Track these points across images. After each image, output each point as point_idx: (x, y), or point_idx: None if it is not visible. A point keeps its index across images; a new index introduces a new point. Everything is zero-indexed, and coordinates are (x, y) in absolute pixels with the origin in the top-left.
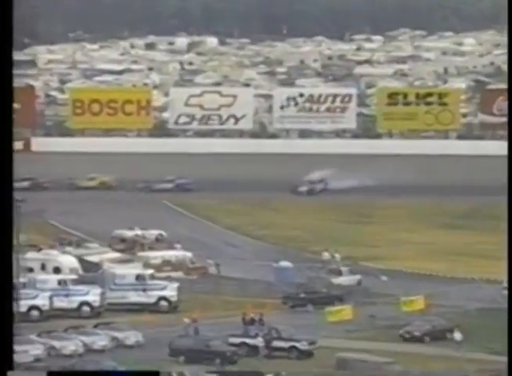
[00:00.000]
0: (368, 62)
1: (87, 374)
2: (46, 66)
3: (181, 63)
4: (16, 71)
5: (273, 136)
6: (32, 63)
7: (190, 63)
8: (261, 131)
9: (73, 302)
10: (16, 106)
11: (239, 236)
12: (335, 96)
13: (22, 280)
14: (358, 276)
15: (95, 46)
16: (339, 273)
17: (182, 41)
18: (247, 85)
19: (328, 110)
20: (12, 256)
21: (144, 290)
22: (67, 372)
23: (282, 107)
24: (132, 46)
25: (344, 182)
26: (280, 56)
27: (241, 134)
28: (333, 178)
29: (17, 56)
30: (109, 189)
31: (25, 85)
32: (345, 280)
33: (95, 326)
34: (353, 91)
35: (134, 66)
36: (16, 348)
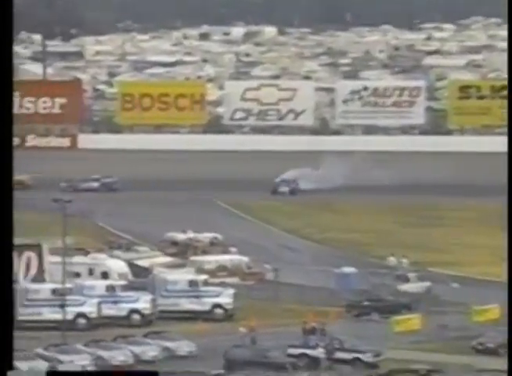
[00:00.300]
0: (438, 52)
1: (87, 374)
2: (94, 58)
3: (237, 55)
4: (62, 63)
5: (335, 133)
6: (79, 55)
7: (247, 55)
8: (322, 128)
9: (122, 310)
10: (62, 100)
11: (299, 239)
12: (402, 89)
13: (68, 285)
14: (426, 283)
15: (146, 37)
16: (406, 280)
17: (238, 30)
18: (308, 78)
19: (394, 104)
20: (13, 256)
21: (197, 297)
22: (67, 372)
23: (345, 102)
24: (185, 37)
25: (407, 180)
26: (344, 47)
27: (301, 130)
28: (397, 176)
29: (63, 47)
30: (160, 189)
31: (72, 78)
32: (413, 287)
33: (146, 335)
34: (422, 84)
35: (187, 58)
36: (62, 357)
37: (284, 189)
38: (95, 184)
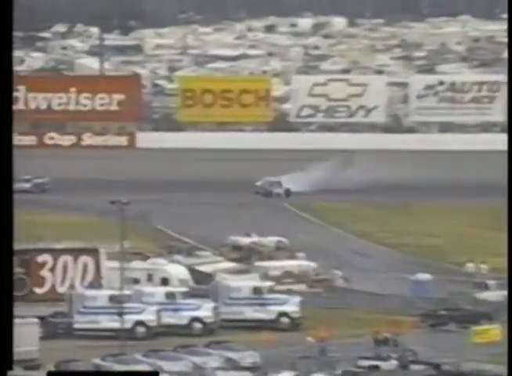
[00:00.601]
0: None
1: (87, 374)
2: (154, 51)
3: (304, 48)
4: (120, 58)
5: (409, 130)
6: (138, 49)
7: (315, 48)
8: (394, 125)
9: (183, 318)
10: (120, 97)
11: (371, 244)
12: (481, 84)
13: (126, 292)
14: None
15: (208, 29)
16: (485, 287)
17: (306, 22)
18: (380, 72)
19: (473, 100)
20: (13, 255)
21: (262, 305)
22: (67, 372)
23: (419, 97)
24: (250, 29)
25: (486, 181)
26: (418, 39)
27: (372, 128)
28: (475, 177)
29: (122, 40)
30: (222, 190)
31: (130, 73)
32: (493, 295)
33: (208, 345)
34: (502, 78)
35: (251, 52)
36: (121, 368)
37: (278, 190)
38: (27, 185)
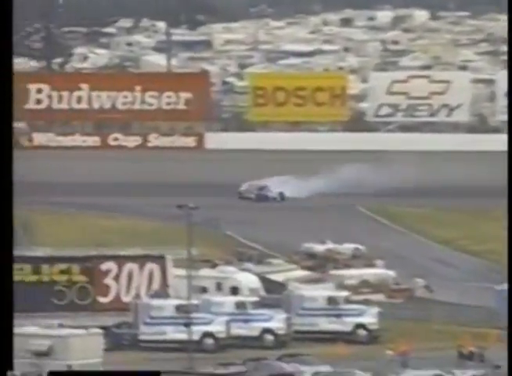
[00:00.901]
0: None
1: (87, 374)
2: (223, 47)
3: (383, 43)
4: (188, 54)
5: (495, 130)
6: (207, 44)
7: (395, 42)
8: (480, 125)
9: (253, 329)
10: (187, 95)
11: (453, 251)
12: None
13: (194, 301)
14: None
15: (281, 23)
16: None
17: (385, 15)
18: (464, 68)
19: None
20: (13, 254)
21: (338, 316)
22: (67, 372)
23: (507, 95)
24: (325, 23)
25: None
26: (506, 32)
27: (455, 127)
28: None
29: (190, 35)
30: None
31: (198, 70)
32: None
33: (279, 358)
34: None
35: (326, 47)
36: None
37: (272, 194)
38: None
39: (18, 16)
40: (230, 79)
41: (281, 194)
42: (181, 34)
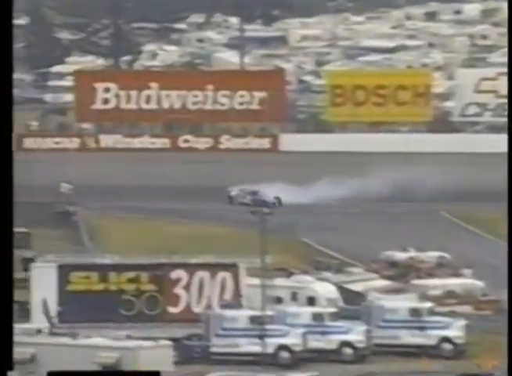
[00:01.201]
0: None
1: (87, 374)
2: (299, 43)
3: (471, 37)
4: (262, 51)
5: None
6: (282, 41)
7: (483, 37)
8: None
9: (331, 342)
10: (261, 94)
11: None
12: None
13: (269, 312)
14: None
15: (361, 18)
16: None
17: (472, 8)
18: None
19: None
20: (13, 252)
21: (421, 328)
22: (68, 372)
23: None
24: (408, 17)
25: None
26: None
27: None
28: None
29: (264, 31)
30: (375, 199)
31: (273, 68)
32: None
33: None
34: None
35: (410, 43)
36: None
37: (269, 198)
38: None
39: (85, 13)
40: (306, 77)
41: (278, 199)
42: (255, 29)
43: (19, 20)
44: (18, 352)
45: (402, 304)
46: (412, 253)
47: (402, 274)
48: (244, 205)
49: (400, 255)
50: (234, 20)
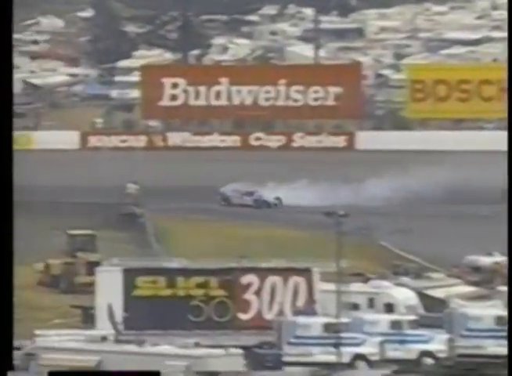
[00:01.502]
0: None
1: (87, 374)
2: (377, 36)
3: None
4: (338, 43)
5: None
6: (359, 33)
7: None
8: None
9: (411, 352)
10: (337, 89)
11: None
12: None
13: (344, 319)
14: None
15: (444, 8)
16: None
17: None
18: None
19: None
20: (13, 252)
21: (506, 338)
22: (68, 372)
23: None
24: (494, 7)
25: None
26: None
27: None
28: None
29: (340, 23)
30: (458, 201)
31: (350, 62)
32: None
33: None
34: None
35: (495, 34)
36: None
37: (270, 199)
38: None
39: (153, 5)
40: (385, 71)
41: (279, 199)
42: (330, 21)
43: (85, 13)
44: (82, 360)
45: (487, 311)
46: (498, 258)
47: (486, 280)
48: (244, 206)
49: (484, 260)
50: (308, 12)
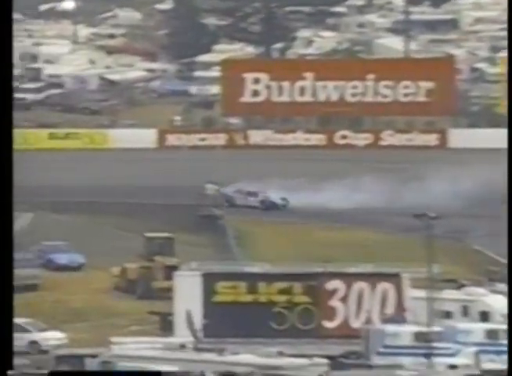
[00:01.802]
0: None
1: (88, 374)
2: (472, 27)
3: None
4: (430, 36)
5: None
6: (453, 24)
7: None
8: None
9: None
10: (429, 84)
11: None
12: None
13: (436, 328)
14: None
15: None
16: None
17: None
18: None
19: None
20: (13, 252)
21: None
22: (68, 372)
23: None
24: None
25: None
26: None
27: None
28: None
29: (433, 14)
30: None
31: (442, 55)
32: None
33: None
34: None
35: None
36: None
37: (277, 200)
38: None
39: None
40: (480, 65)
41: (285, 200)
42: (421, 12)
43: (163, 5)
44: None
45: None
46: None
47: None
48: (250, 208)
49: None
50: (398, 2)
